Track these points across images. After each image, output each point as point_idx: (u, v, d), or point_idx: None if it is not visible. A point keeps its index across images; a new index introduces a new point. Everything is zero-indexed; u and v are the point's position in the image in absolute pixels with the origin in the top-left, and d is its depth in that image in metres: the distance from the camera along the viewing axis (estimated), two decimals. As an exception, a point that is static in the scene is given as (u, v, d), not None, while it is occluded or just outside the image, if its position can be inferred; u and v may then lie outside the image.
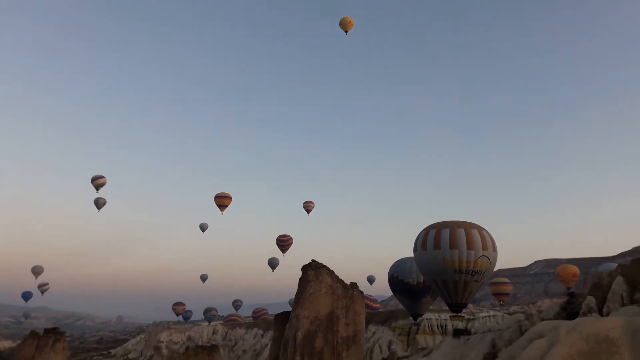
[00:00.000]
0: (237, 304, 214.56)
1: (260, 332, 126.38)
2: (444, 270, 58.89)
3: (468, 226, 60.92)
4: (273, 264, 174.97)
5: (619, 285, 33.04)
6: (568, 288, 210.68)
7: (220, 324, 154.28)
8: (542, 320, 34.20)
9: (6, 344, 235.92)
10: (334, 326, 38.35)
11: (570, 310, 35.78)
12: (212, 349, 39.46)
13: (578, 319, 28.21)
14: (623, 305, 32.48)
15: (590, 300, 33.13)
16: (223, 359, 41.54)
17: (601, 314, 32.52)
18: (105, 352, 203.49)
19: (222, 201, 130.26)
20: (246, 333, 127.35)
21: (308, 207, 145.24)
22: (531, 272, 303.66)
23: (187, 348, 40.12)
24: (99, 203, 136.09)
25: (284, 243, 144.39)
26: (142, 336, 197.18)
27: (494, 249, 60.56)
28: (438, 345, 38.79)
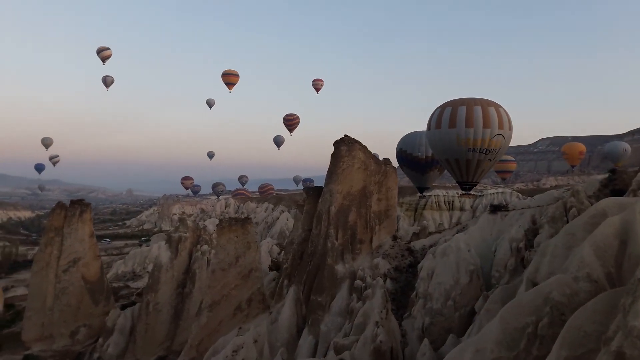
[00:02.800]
0: (243, 179, 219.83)
1: (271, 206, 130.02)
2: (458, 149, 57.84)
3: (485, 103, 58.60)
4: (278, 141, 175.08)
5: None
6: (573, 166, 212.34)
7: (231, 197, 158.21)
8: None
9: (25, 214, 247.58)
10: (367, 201, 37.79)
11: (613, 187, 34.60)
12: (245, 220, 39.28)
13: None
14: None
15: (641, 177, 31.65)
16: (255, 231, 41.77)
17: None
18: (120, 223, 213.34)
19: (229, 79, 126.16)
20: (257, 207, 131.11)
21: (317, 85, 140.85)
22: (535, 150, 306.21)
23: (221, 220, 39.94)
24: (107, 81, 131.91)
25: (290, 122, 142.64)
26: (155, 208, 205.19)
27: (510, 128, 58.89)
28: (474, 221, 38.52)
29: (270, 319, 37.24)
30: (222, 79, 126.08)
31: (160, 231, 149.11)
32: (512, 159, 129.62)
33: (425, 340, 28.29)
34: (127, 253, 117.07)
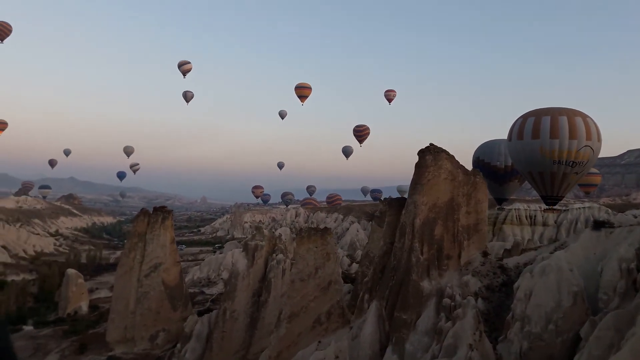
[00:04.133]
0: (311, 189, 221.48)
1: (340, 216, 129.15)
2: (542, 161, 54.42)
3: (571, 113, 54.81)
4: (347, 152, 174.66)
5: None
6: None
7: (300, 207, 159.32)
8: None
9: (108, 220, 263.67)
10: (455, 214, 35.68)
11: None
12: (324, 231, 38.47)
13: None
14: None
15: None
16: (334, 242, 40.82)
17: None
18: (195, 230, 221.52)
19: (302, 92, 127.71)
20: (327, 217, 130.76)
21: (389, 95, 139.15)
22: (622, 162, 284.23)
23: (300, 230, 39.45)
24: (187, 96, 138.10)
25: (360, 133, 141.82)
26: (228, 216, 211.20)
27: (599, 139, 54.59)
28: (574, 238, 35.30)
29: (351, 334, 35.96)
30: (295, 92, 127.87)
31: (233, 239, 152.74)
32: (597, 171, 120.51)
33: (524, 368, 25.84)
34: (202, 259, 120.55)
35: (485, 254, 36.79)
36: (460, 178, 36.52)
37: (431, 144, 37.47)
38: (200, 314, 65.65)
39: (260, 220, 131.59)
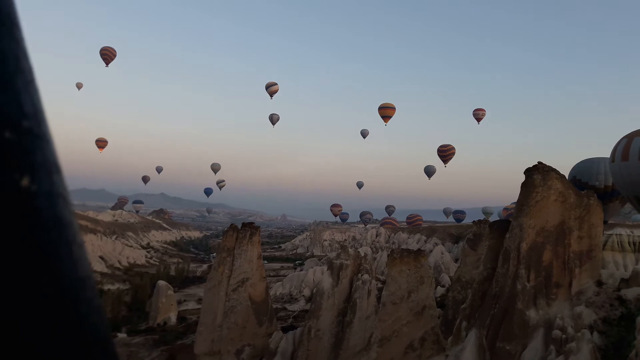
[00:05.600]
0: (390, 209, 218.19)
1: (424, 237, 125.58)
2: None
3: None
4: (429, 171, 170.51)
5: None
6: None
7: (382, 227, 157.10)
8: None
9: (195, 234, 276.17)
10: (565, 239, 32.95)
11: None
12: (418, 253, 37.08)
13: None
14: None
15: None
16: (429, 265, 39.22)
17: None
18: (276, 246, 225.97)
19: (386, 112, 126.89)
20: (409, 237, 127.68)
21: (478, 115, 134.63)
22: None
23: (392, 251, 38.33)
24: (274, 119, 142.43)
25: (445, 153, 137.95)
26: (307, 234, 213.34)
27: None
28: None
29: (447, 363, 34.09)
30: (379, 112, 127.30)
31: (313, 256, 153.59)
32: None
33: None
34: (283, 275, 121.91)
35: (599, 283, 33.52)
36: (572, 200, 33.77)
37: (540, 162, 35.06)
38: (284, 330, 65.92)
39: (345, 239, 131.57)
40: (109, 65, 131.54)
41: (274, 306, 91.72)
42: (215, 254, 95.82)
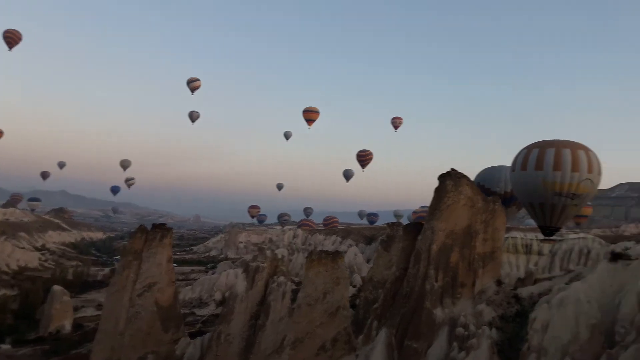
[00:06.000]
0: (307, 211, 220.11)
1: (339, 239, 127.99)
2: (543, 193, 55.09)
3: (575, 146, 55.74)
4: (348, 175, 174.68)
5: None
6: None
7: (299, 229, 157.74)
8: None
9: (97, 235, 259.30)
10: (472, 241, 34.84)
11: None
12: (336, 254, 37.36)
13: None
14: None
15: None
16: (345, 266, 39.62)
17: None
18: (187, 249, 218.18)
19: (310, 115, 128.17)
20: (325, 239, 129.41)
21: (396, 122, 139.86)
22: (612, 195, 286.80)
23: (310, 252, 38.27)
24: (193, 116, 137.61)
25: (363, 158, 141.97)
26: (222, 236, 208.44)
27: (599, 172, 55.52)
28: (591, 270, 34.54)
29: (358, 363, 34.58)
30: (303, 116, 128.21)
31: (227, 259, 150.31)
32: (589, 203, 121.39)
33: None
34: (194, 279, 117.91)
35: (499, 283, 35.85)
36: (479, 205, 35.84)
37: (452, 169, 36.89)
38: (192, 336, 63.66)
39: (263, 242, 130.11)
40: (12, 49, 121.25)
41: (183, 311, 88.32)
42: (119, 256, 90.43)
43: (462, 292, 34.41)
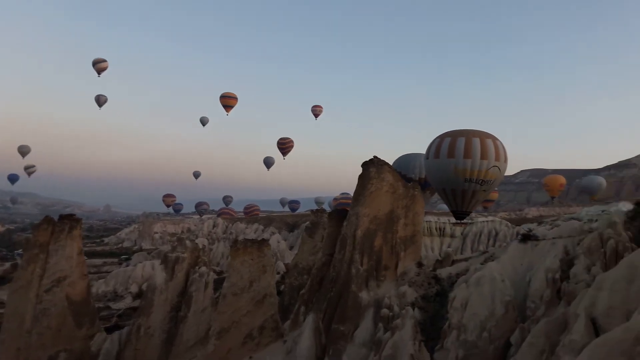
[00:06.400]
0: (227, 200, 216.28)
1: (261, 227, 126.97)
2: (455, 179, 58.51)
3: (484, 136, 59.69)
4: (268, 162, 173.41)
5: None
6: (552, 197, 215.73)
7: (219, 217, 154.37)
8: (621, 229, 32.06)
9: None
10: (394, 226, 35.90)
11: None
12: (261, 243, 36.85)
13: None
14: None
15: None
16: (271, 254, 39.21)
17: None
18: (98, 240, 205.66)
19: (228, 101, 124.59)
20: (247, 227, 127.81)
21: (316, 111, 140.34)
22: (516, 181, 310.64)
23: (235, 241, 37.41)
24: (100, 100, 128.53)
25: (284, 146, 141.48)
26: (136, 226, 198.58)
27: (505, 160, 59.99)
28: (503, 250, 36.96)
29: (285, 349, 34.65)
30: (221, 102, 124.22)
31: (141, 250, 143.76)
32: (496, 188, 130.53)
33: (468, 376, 26.26)
34: (107, 272, 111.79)
35: (420, 265, 37.40)
36: (400, 191, 36.95)
37: (375, 157, 37.61)
38: (108, 330, 60.49)
39: (181, 232, 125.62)
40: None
41: (97, 305, 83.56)
42: (22, 250, 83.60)
43: (386, 274, 35.53)
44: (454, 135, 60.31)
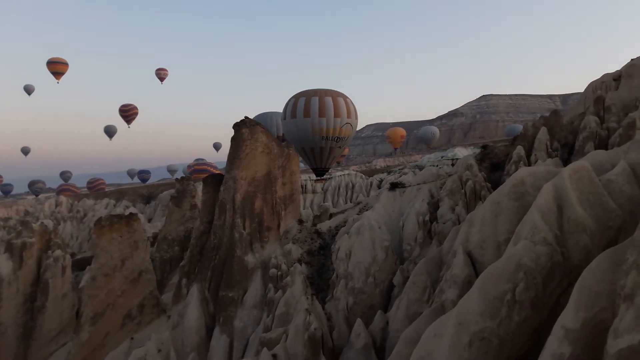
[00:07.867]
0: (66, 176, 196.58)
1: (112, 201, 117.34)
2: (312, 138, 61.15)
3: (335, 94, 62.87)
4: (110, 132, 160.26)
5: (543, 134, 35.94)
6: (395, 149, 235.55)
7: (60, 195, 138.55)
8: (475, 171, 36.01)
9: None
10: (272, 186, 35.65)
11: (494, 161, 38.36)
12: (130, 217, 33.83)
13: (555, 160, 30.29)
14: (547, 153, 35.75)
15: (520, 150, 35.63)
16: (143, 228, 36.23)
17: (529, 163, 35.51)
18: None
19: (56, 67, 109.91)
20: (95, 204, 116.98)
21: (161, 74, 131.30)
22: (362, 135, 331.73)
23: (100, 219, 33.69)
24: None
25: (127, 113, 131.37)
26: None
27: (356, 117, 64.20)
28: (375, 198, 39.15)
29: (171, 323, 33.13)
30: (48, 68, 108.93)
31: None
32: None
33: (359, 321, 27.79)
34: None
35: (300, 222, 38.03)
36: (275, 151, 36.60)
37: (246, 117, 36.43)
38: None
39: (16, 215, 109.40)
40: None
41: None
42: None
43: (269, 235, 35.50)
44: (307, 95, 61.80)
